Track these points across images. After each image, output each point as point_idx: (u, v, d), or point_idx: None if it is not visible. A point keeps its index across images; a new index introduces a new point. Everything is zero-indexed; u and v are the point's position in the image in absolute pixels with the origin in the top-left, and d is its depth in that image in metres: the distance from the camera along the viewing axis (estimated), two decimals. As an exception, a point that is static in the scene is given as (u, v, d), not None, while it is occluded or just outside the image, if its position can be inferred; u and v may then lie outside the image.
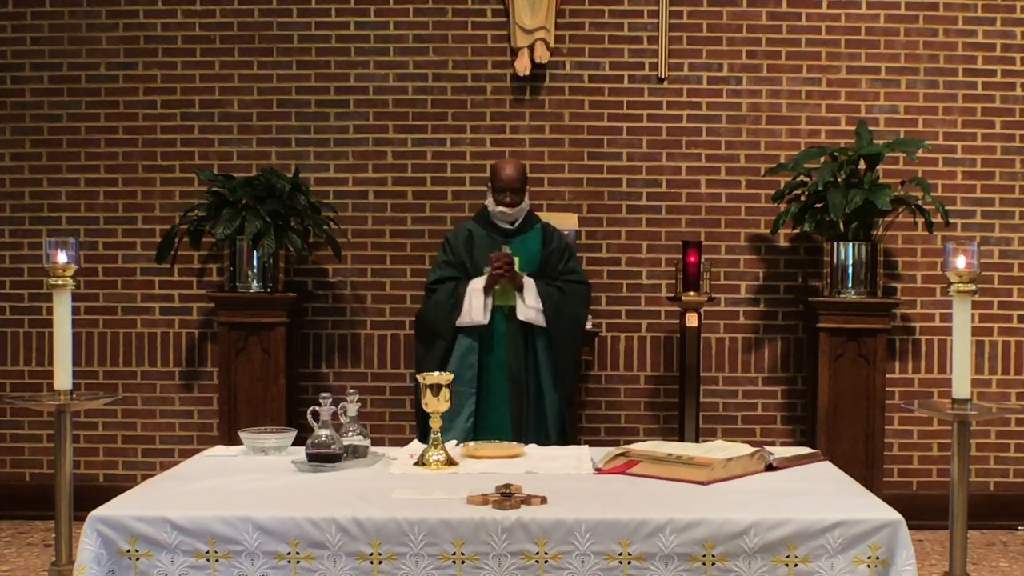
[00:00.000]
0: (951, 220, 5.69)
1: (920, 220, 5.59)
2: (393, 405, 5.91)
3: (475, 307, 4.76)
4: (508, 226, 4.94)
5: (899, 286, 5.90)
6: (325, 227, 5.62)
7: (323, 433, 3.19)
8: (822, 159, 5.62)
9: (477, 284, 4.80)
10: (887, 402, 5.55)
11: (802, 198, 5.65)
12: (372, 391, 5.85)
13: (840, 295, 5.54)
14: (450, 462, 3.21)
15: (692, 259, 5.26)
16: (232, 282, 5.59)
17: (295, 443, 3.49)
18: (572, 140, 5.93)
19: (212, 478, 3.04)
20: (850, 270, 5.53)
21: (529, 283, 4.82)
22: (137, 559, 2.67)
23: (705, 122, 5.92)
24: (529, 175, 5.93)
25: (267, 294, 5.55)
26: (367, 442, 3.31)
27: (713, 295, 5.57)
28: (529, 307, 4.81)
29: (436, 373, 3.30)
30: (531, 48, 5.81)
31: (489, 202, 4.96)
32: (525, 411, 4.82)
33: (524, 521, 2.64)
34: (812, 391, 5.66)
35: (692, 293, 5.28)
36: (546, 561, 2.64)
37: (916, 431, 5.90)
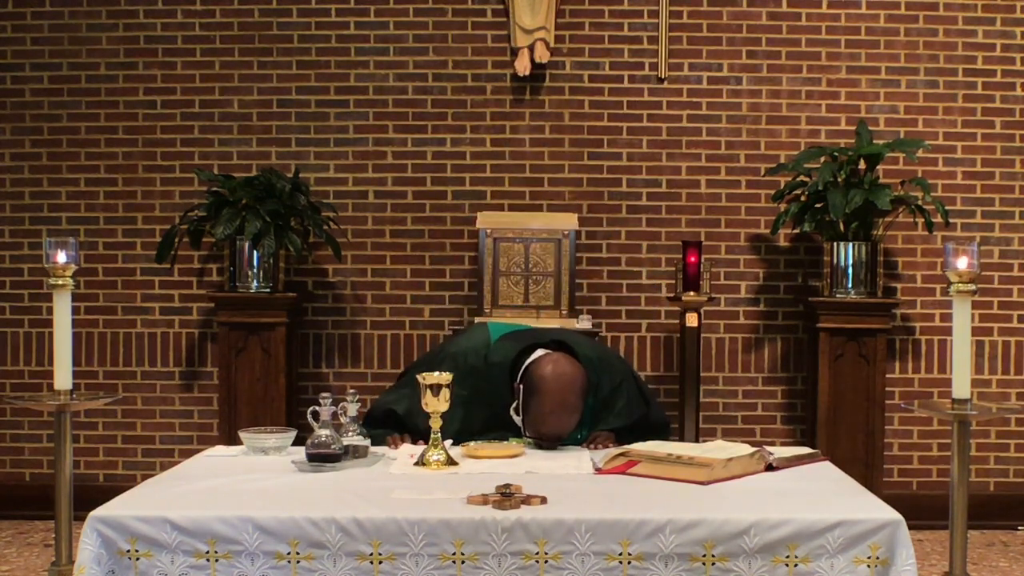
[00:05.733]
0: (951, 220, 5.69)
1: (920, 220, 5.59)
2: (393, 405, 5.90)
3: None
4: None
5: (899, 286, 5.90)
6: (325, 227, 5.62)
7: (323, 433, 3.18)
8: (822, 159, 5.62)
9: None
10: (887, 402, 5.55)
11: (802, 198, 5.65)
12: (372, 391, 5.83)
13: (840, 295, 5.54)
14: (450, 462, 3.21)
15: (692, 259, 5.27)
16: (232, 282, 5.59)
17: (295, 443, 3.48)
18: (572, 140, 5.93)
19: (212, 478, 3.04)
20: (850, 270, 5.53)
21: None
22: (137, 559, 2.67)
23: (705, 122, 5.92)
24: (529, 175, 5.98)
25: (267, 294, 5.55)
26: (367, 442, 3.30)
27: (713, 295, 5.57)
28: None
29: (436, 373, 3.29)
30: (531, 48, 5.81)
31: (512, 413, 3.50)
32: None
33: (524, 521, 2.64)
34: (812, 391, 5.65)
35: (692, 293, 5.28)
36: (546, 561, 2.63)
37: (916, 431, 5.90)
